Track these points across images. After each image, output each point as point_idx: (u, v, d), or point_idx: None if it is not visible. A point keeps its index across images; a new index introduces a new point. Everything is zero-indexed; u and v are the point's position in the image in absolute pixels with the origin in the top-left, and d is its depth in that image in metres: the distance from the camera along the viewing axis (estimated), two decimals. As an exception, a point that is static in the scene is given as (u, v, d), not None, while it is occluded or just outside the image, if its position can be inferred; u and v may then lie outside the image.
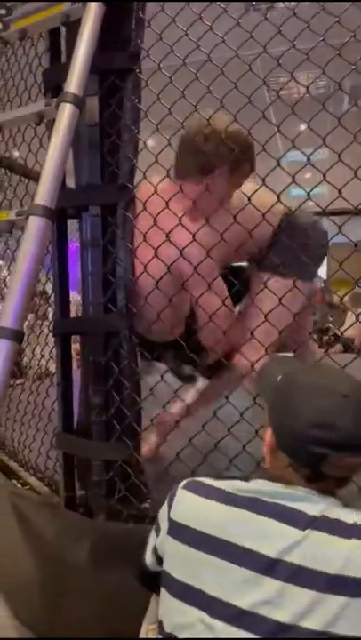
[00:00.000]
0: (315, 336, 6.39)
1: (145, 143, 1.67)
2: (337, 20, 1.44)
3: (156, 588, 1.05)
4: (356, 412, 0.94)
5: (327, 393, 0.97)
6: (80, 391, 1.78)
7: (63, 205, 1.67)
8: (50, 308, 2.98)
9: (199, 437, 1.69)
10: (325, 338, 6.74)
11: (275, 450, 1.02)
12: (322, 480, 0.97)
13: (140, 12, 1.64)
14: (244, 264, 1.99)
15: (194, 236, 1.60)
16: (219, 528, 0.97)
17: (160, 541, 1.07)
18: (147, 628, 1.23)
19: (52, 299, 1.85)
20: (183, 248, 1.61)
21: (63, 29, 1.70)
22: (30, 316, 3.35)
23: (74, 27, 1.49)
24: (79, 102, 1.39)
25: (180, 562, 1.00)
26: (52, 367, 2.06)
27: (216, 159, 1.65)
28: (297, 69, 1.55)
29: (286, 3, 1.61)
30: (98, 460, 1.67)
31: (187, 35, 1.58)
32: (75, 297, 1.88)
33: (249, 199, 1.56)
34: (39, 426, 2.16)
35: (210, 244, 1.60)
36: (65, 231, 1.74)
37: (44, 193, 1.32)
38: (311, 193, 1.50)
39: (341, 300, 1.97)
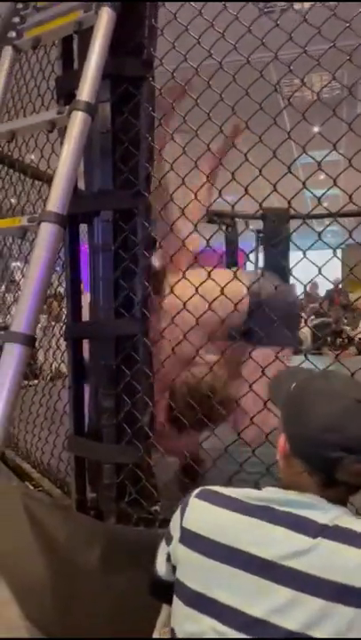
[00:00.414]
0: (328, 339, 6.39)
1: (160, 150, 1.68)
2: (348, 25, 1.44)
3: (169, 597, 1.05)
4: None
5: (340, 397, 0.98)
6: (90, 395, 1.79)
7: (75, 211, 1.69)
8: (64, 310, 3.00)
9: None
10: (339, 340, 6.73)
11: (288, 456, 1.02)
12: (335, 486, 0.97)
13: (153, 20, 1.65)
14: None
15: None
16: (231, 536, 0.97)
17: (172, 549, 1.07)
18: (160, 631, 1.23)
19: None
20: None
21: (75, 37, 1.71)
22: (43, 318, 3.37)
23: (86, 34, 1.51)
24: (91, 110, 1.40)
25: (193, 570, 1.00)
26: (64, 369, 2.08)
27: None
28: (310, 72, 1.56)
29: (297, 7, 1.60)
30: (108, 463, 1.68)
31: (199, 43, 1.59)
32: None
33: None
34: (51, 428, 2.17)
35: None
36: (77, 236, 1.76)
37: (55, 199, 1.34)
38: (328, 193, 1.51)
39: (355, 301, 1.97)
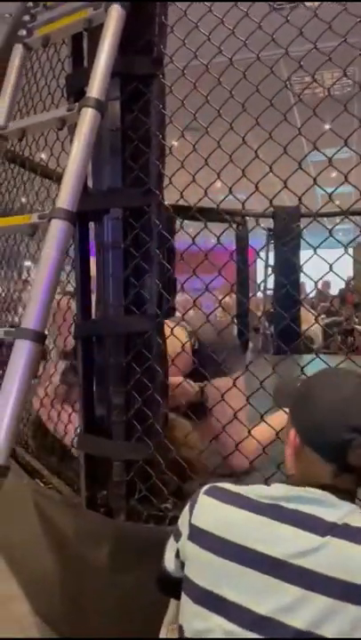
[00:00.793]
0: (339, 337, 6.36)
1: (170, 148, 1.68)
2: (359, 20, 1.43)
3: (177, 593, 1.06)
4: None
5: (347, 382, 1.02)
6: (100, 392, 1.79)
7: (84, 209, 1.69)
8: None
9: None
10: (351, 339, 6.70)
11: (299, 449, 1.02)
12: (348, 473, 0.97)
13: (163, 18, 1.65)
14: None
15: None
16: (239, 534, 0.97)
17: (181, 546, 1.07)
18: (167, 628, 1.23)
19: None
20: None
21: (85, 34, 1.71)
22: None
23: (96, 32, 1.51)
24: (101, 107, 1.41)
25: (201, 567, 1.00)
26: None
27: None
28: (321, 68, 1.55)
29: (308, 4, 1.59)
30: (118, 461, 1.69)
31: (209, 40, 1.59)
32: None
33: None
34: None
35: None
36: (87, 234, 1.76)
37: (65, 197, 1.35)
38: (339, 191, 1.50)
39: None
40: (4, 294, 3.08)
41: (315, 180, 1.47)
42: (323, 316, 7.02)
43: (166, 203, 1.70)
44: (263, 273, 6.14)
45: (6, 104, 1.63)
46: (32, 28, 1.66)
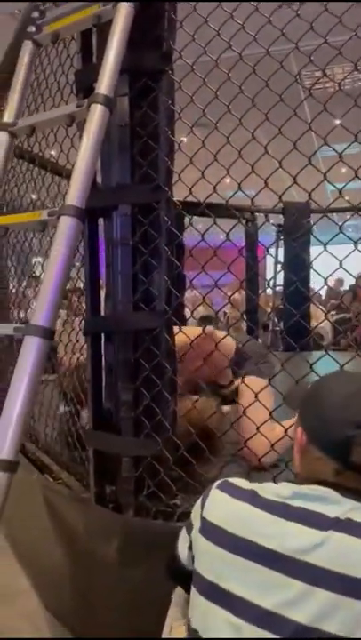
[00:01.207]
0: (349, 334, 6.33)
1: (179, 144, 1.68)
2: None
3: (188, 585, 1.07)
4: None
5: (354, 381, 1.04)
6: (109, 388, 1.79)
7: (93, 205, 1.69)
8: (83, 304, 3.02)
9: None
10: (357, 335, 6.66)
11: (305, 447, 1.04)
12: (352, 471, 0.97)
13: (172, 13, 1.64)
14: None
15: None
16: (246, 529, 0.98)
17: (193, 538, 1.09)
18: (171, 625, 1.24)
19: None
20: None
21: (94, 31, 1.71)
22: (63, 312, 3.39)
23: (105, 28, 1.51)
24: (110, 103, 1.40)
25: (209, 561, 1.02)
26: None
27: None
28: (332, 63, 1.54)
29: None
30: (127, 457, 1.69)
31: (219, 35, 1.58)
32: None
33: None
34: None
35: None
36: (96, 230, 1.77)
37: (74, 193, 1.35)
38: (350, 187, 1.49)
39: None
40: (14, 290, 3.09)
41: (325, 175, 1.46)
42: (333, 312, 6.99)
43: (175, 199, 1.70)
44: (273, 269, 6.12)
45: (15, 101, 1.63)
46: (41, 24, 1.66)
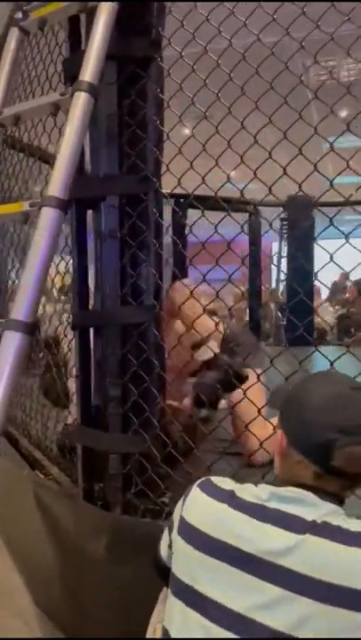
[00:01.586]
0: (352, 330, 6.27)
1: (167, 134, 1.63)
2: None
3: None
4: None
5: (335, 385, 1.01)
6: (96, 384, 1.76)
7: (81, 196, 1.66)
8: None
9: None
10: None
11: (285, 450, 1.01)
12: (332, 475, 0.94)
13: (161, -1, 1.60)
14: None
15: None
16: (222, 531, 0.96)
17: (173, 539, 1.07)
18: (153, 628, 1.21)
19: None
20: None
21: (84, 18, 1.67)
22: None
23: (93, 14, 1.46)
24: (94, 91, 1.36)
25: (184, 562, 1.00)
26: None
27: None
28: (330, 53, 1.48)
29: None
30: (115, 453, 1.66)
31: (208, 20, 1.53)
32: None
33: None
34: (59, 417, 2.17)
35: None
36: (84, 222, 1.73)
37: (56, 184, 1.31)
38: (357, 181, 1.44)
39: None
40: (10, 283, 3.06)
41: (315, 166, 1.41)
42: (337, 307, 6.93)
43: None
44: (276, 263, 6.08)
45: (1, 89, 1.59)
46: (27, 10, 1.61)
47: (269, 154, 1.43)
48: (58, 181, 1.31)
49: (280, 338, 5.81)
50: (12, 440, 2.51)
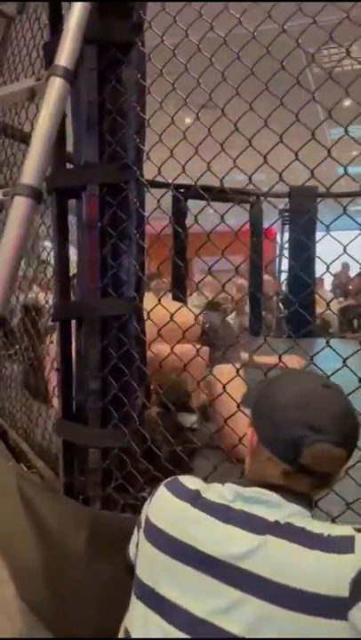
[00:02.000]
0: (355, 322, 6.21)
1: (148, 121, 1.58)
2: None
3: None
4: (336, 400, 0.94)
5: (308, 381, 0.99)
6: (75, 377, 1.73)
7: (62, 184, 1.62)
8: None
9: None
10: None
11: (255, 447, 0.99)
12: (300, 474, 0.92)
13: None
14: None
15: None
16: (184, 532, 0.94)
17: (139, 538, 1.04)
18: (125, 627, 1.19)
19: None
20: None
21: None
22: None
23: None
24: (69, 76, 1.32)
25: (146, 563, 0.98)
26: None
27: None
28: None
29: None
30: (94, 448, 1.63)
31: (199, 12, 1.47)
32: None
33: None
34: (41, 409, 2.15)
35: None
36: (65, 211, 1.69)
37: (30, 172, 1.27)
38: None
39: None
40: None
41: (329, 151, 1.35)
42: (340, 299, 6.86)
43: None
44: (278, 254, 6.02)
45: (-21, 74, 1.56)
46: (6, -7, 1.57)
47: (280, 138, 1.37)
48: (31, 169, 1.27)
49: (281, 329, 5.76)
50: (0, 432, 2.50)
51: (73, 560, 1.68)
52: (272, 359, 1.58)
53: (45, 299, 2.49)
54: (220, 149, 1.43)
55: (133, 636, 0.95)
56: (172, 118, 1.53)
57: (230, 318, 5.64)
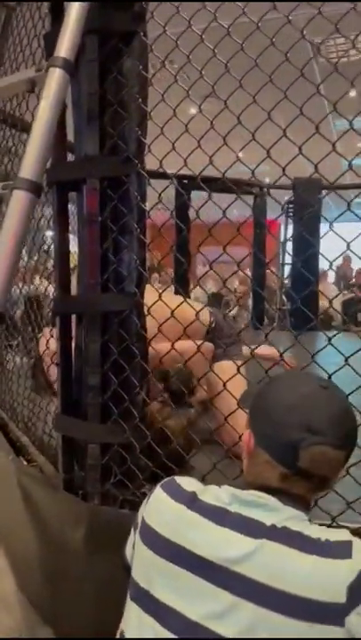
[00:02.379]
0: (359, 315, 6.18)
1: (150, 113, 1.56)
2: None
3: None
4: (334, 402, 0.93)
5: (306, 382, 0.97)
6: (77, 372, 1.72)
7: (62, 178, 1.60)
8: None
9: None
10: None
11: (253, 450, 0.98)
12: (298, 477, 0.91)
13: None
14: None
15: None
16: (178, 534, 0.93)
17: (135, 539, 1.03)
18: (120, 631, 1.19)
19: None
20: None
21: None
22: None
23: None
24: (69, 67, 1.30)
25: (141, 564, 0.97)
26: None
27: None
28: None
29: None
30: (94, 443, 1.62)
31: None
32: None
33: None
34: (42, 404, 2.14)
35: None
36: (66, 205, 1.67)
37: (29, 166, 1.26)
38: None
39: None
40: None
41: (333, 145, 1.32)
42: (344, 292, 6.82)
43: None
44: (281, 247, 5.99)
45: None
46: (5, -18, 1.54)
47: (284, 132, 1.34)
48: (30, 163, 1.26)
49: (285, 322, 5.74)
50: (0, 425, 2.49)
51: (73, 556, 1.68)
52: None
53: (46, 293, 2.47)
54: (222, 142, 1.41)
55: (126, 634, 0.94)
56: (175, 110, 1.51)
57: (233, 312, 5.63)
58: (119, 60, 1.53)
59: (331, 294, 5.61)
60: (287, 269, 6.00)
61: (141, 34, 1.51)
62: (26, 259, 3.26)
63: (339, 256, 1.43)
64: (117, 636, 1.09)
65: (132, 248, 1.58)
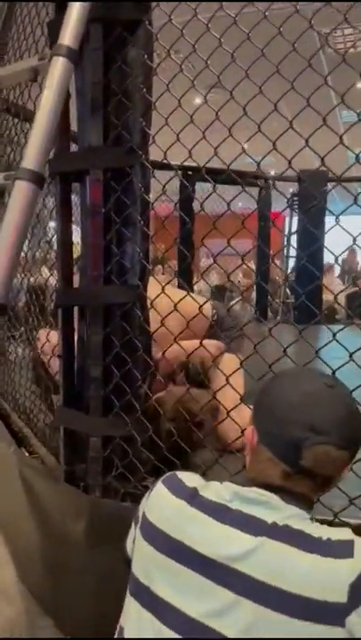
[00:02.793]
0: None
1: (155, 104, 1.54)
2: None
3: None
4: (339, 401, 0.92)
5: (310, 381, 0.96)
6: (79, 364, 1.71)
7: (66, 169, 1.58)
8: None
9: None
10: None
11: (256, 447, 0.97)
12: (300, 477, 0.90)
13: None
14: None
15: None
16: (178, 530, 0.92)
17: (136, 534, 1.03)
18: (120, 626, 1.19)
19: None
20: None
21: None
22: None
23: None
24: (73, 55, 1.28)
25: (141, 560, 0.97)
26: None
27: None
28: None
29: None
30: (95, 436, 1.62)
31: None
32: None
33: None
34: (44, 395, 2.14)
35: None
36: (69, 196, 1.65)
37: (32, 156, 1.24)
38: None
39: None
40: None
41: (341, 137, 1.31)
42: (351, 286, 6.79)
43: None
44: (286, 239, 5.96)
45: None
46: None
47: (290, 124, 1.32)
48: (33, 153, 1.24)
49: (288, 316, 5.72)
50: (3, 416, 2.49)
51: (74, 548, 1.68)
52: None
53: (47, 284, 2.46)
54: (228, 133, 1.39)
55: (126, 634, 0.94)
56: (180, 101, 1.50)
57: (236, 306, 5.61)
58: (124, 49, 1.51)
59: (336, 289, 5.57)
60: (292, 262, 5.97)
61: (146, 22, 1.49)
62: (26, 250, 3.25)
63: (345, 250, 1.42)
64: (116, 632, 1.09)
65: (136, 240, 1.57)
